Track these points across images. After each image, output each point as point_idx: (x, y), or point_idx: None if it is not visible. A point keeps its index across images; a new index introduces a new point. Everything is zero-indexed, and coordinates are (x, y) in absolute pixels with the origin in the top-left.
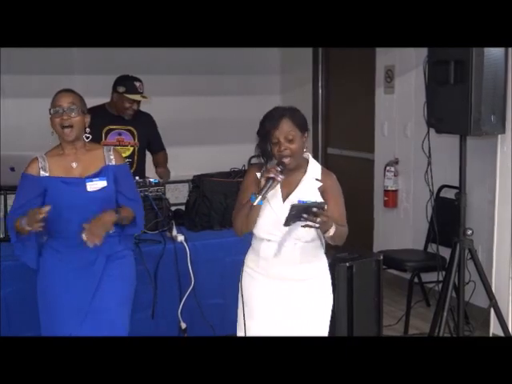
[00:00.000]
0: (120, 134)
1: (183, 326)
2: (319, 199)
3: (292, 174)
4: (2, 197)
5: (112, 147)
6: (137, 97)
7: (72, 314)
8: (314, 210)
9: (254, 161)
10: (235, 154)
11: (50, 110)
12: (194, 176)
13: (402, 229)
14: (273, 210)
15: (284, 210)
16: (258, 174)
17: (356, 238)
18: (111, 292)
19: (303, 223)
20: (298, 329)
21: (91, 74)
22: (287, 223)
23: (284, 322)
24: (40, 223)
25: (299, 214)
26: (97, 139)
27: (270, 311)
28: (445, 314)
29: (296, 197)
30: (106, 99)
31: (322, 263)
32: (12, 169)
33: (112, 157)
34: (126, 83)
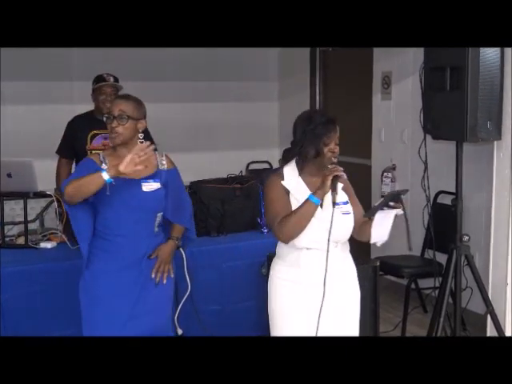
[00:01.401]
0: (105, 138)
1: (180, 331)
2: (346, 199)
3: (318, 178)
4: None
5: (164, 153)
6: (103, 84)
7: (119, 313)
8: (402, 196)
9: (252, 166)
10: (232, 160)
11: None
12: (191, 182)
13: (398, 235)
14: (315, 217)
15: (325, 215)
16: (284, 183)
17: (353, 243)
18: (158, 292)
19: (388, 212)
20: (343, 328)
21: (90, 80)
22: (371, 214)
23: (331, 324)
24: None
25: (386, 202)
26: (81, 142)
27: (315, 318)
28: (441, 320)
29: (330, 200)
30: None
31: (351, 260)
32: (9, 175)
33: (164, 162)
34: (97, 77)
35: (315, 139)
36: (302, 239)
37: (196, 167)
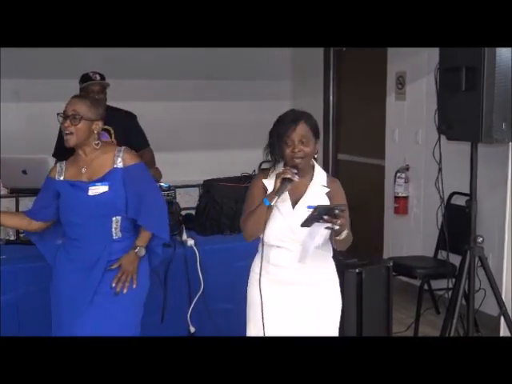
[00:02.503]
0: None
1: (192, 329)
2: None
3: (299, 180)
4: (15, 199)
5: (123, 148)
6: (90, 83)
7: (71, 314)
8: (336, 211)
9: (264, 166)
10: (245, 159)
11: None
12: (205, 181)
13: (412, 235)
14: (282, 216)
15: (294, 215)
16: (265, 181)
17: (366, 244)
18: (117, 300)
19: (322, 225)
20: (308, 332)
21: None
22: (306, 224)
23: (295, 327)
24: None
25: (321, 215)
26: None
27: (281, 316)
28: (454, 321)
29: (305, 202)
30: (117, 103)
31: (331, 267)
32: (24, 172)
33: (120, 159)
34: (83, 76)
35: (277, 140)
36: (270, 237)
37: (209, 166)
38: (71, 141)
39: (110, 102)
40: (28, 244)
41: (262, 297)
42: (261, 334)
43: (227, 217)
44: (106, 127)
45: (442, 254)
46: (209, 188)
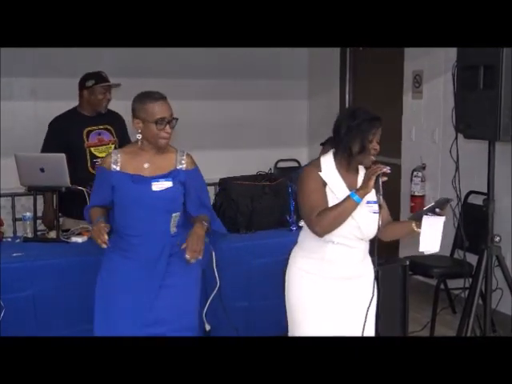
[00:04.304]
0: (99, 134)
1: (208, 327)
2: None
3: (355, 174)
4: (32, 197)
5: (185, 152)
6: (105, 84)
7: (134, 314)
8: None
9: (281, 164)
10: (261, 158)
11: (148, 117)
12: (221, 179)
13: None
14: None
15: (359, 212)
16: (321, 174)
17: (382, 243)
18: (175, 290)
19: (433, 219)
20: (359, 324)
21: (120, 77)
22: (416, 217)
23: (347, 320)
24: (104, 242)
25: (434, 208)
26: (79, 141)
27: (335, 311)
28: (471, 321)
29: (366, 198)
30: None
31: (370, 259)
32: (42, 169)
33: (184, 161)
34: (93, 75)
35: (360, 135)
36: (332, 234)
37: (225, 164)
38: (167, 143)
39: (123, 102)
40: (45, 241)
41: (315, 294)
42: (319, 332)
43: (243, 215)
44: (107, 127)
45: (459, 254)
46: (225, 186)
